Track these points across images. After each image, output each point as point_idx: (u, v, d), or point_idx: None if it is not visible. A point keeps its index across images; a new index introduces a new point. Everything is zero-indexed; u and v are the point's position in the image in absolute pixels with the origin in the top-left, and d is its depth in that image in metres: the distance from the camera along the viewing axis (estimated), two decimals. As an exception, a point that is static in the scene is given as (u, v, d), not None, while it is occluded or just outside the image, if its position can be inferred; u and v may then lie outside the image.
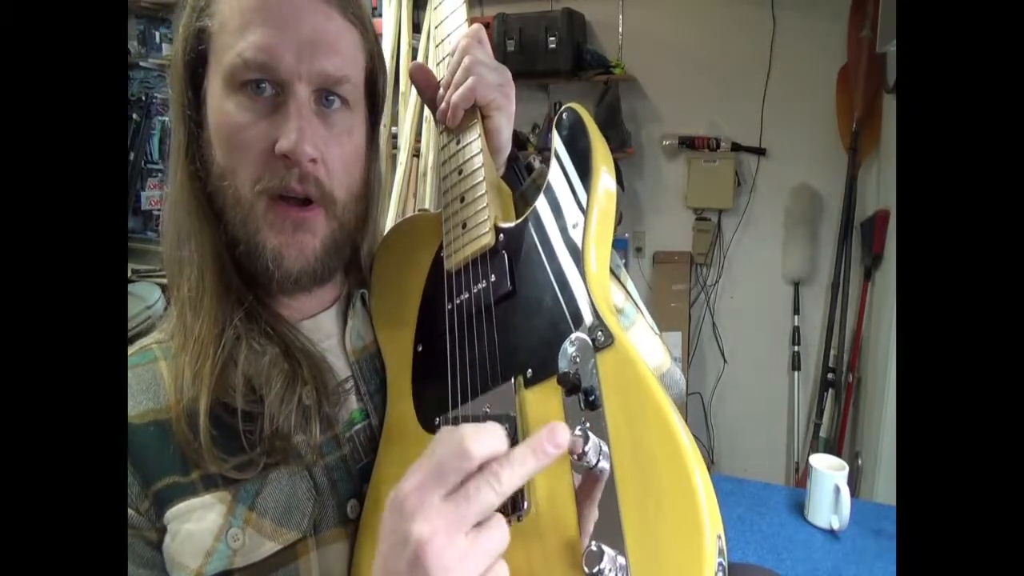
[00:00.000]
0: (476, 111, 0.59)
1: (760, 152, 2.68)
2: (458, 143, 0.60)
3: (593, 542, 0.39)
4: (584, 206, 0.51)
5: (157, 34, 3.65)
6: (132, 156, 3.51)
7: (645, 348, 0.60)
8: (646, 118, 2.85)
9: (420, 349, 0.58)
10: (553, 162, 0.55)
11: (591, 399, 0.44)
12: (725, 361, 2.85)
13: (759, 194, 2.72)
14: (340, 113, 0.55)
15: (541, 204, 0.54)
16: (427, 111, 1.98)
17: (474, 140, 0.59)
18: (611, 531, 0.40)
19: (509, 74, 0.61)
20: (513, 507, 0.45)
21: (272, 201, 0.53)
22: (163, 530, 0.52)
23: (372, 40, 0.58)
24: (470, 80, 0.58)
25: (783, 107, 2.60)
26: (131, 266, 3.39)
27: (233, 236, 0.54)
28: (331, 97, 0.54)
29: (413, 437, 0.55)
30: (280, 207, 0.53)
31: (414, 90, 2.00)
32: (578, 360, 0.46)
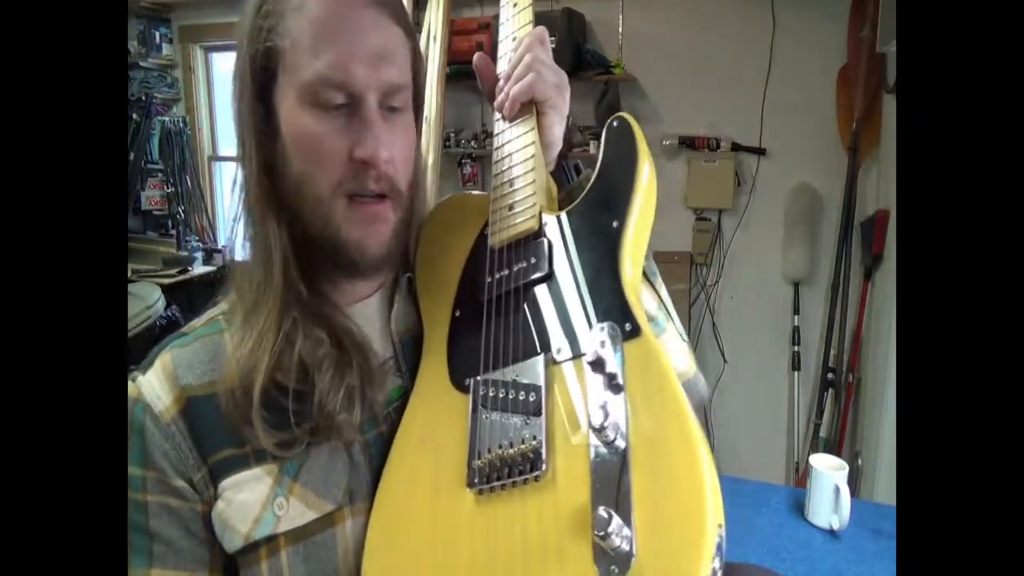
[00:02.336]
0: (532, 106, 0.64)
1: (760, 152, 2.68)
2: (513, 133, 0.65)
3: (603, 507, 0.42)
4: (627, 208, 0.56)
5: (157, 34, 3.65)
6: (132, 156, 3.51)
7: (672, 353, 0.65)
8: (646, 118, 2.84)
9: (458, 314, 0.63)
10: (600, 165, 0.59)
11: (614, 383, 0.48)
12: (725, 361, 2.85)
13: (759, 194, 2.72)
14: (399, 115, 0.61)
15: (585, 200, 0.59)
16: (426, 111, 1.98)
17: (528, 132, 0.64)
18: (621, 503, 0.43)
19: (566, 78, 0.65)
20: (531, 467, 0.49)
21: (350, 200, 0.59)
22: (211, 500, 0.58)
23: (415, 38, 0.63)
24: (530, 76, 0.63)
25: (783, 107, 2.59)
26: (131, 266, 3.39)
27: (311, 233, 0.60)
28: (392, 103, 0.59)
29: (443, 394, 0.60)
30: (358, 204, 0.59)
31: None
32: (605, 345, 0.50)
